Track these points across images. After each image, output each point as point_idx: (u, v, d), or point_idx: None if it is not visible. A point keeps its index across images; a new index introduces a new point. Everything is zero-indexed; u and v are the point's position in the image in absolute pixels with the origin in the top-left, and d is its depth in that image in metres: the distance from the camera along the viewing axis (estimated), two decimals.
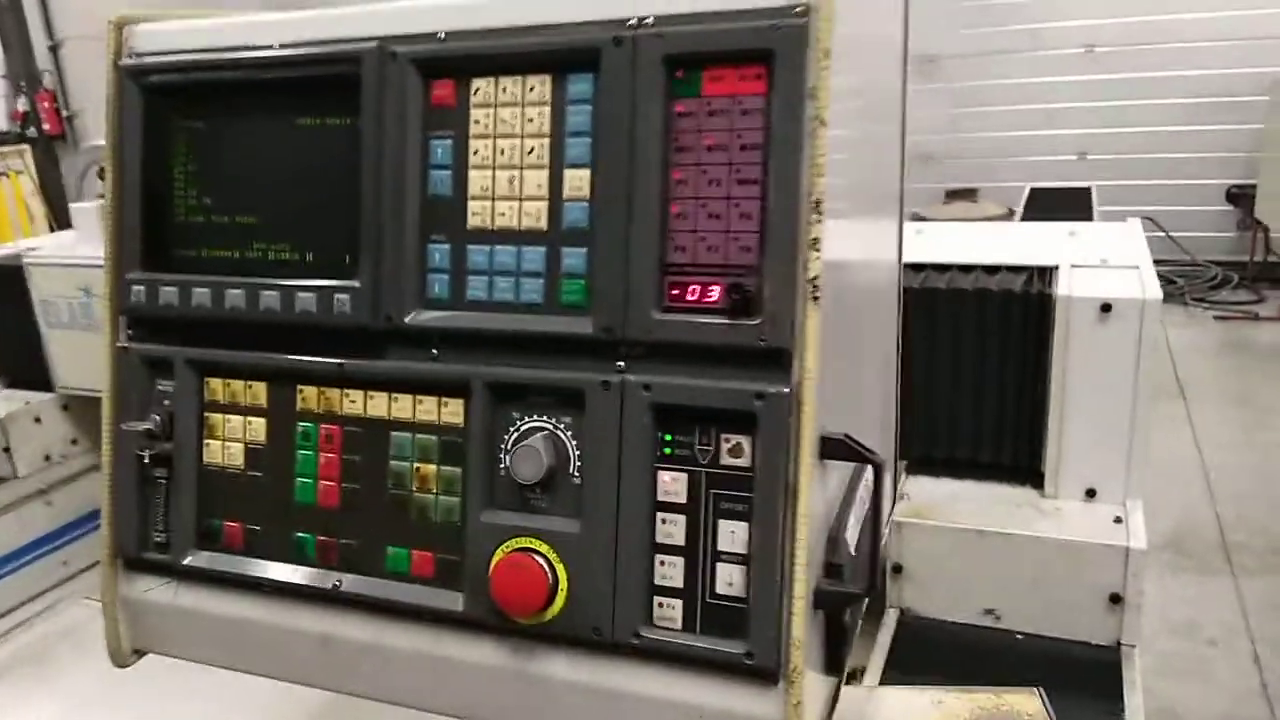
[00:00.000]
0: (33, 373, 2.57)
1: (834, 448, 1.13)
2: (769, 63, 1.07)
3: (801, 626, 1.09)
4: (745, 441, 1.11)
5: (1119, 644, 2.23)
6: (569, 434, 1.18)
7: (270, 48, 1.29)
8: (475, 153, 1.21)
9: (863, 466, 1.24)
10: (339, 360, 1.28)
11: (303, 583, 1.31)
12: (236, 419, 1.36)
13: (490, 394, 1.21)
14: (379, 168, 1.23)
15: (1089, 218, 3.99)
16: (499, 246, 1.20)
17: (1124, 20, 9.10)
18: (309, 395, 1.31)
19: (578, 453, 1.18)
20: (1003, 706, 1.68)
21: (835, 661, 1.25)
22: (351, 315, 1.24)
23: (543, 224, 1.18)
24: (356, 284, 1.24)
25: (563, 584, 1.16)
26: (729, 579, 1.12)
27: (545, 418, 1.19)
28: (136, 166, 1.36)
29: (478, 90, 1.21)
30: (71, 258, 2.48)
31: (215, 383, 1.37)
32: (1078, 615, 2.27)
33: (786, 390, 1.08)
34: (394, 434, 1.27)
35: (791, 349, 1.08)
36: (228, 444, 1.36)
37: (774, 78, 1.07)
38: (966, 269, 2.38)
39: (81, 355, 2.45)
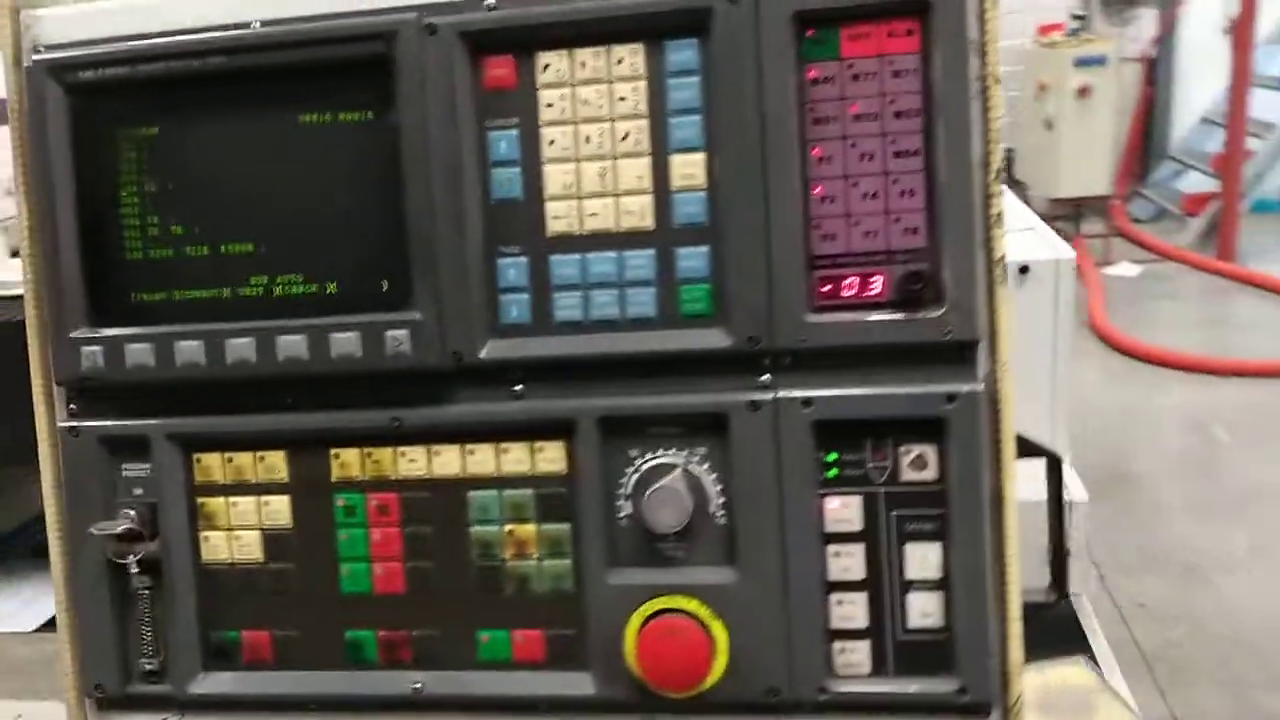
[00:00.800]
0: None
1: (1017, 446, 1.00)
2: (924, 14, 0.93)
3: (1019, 650, 0.96)
4: (930, 451, 0.97)
5: (1068, 594, 2.27)
6: (705, 467, 1.00)
7: (248, 27, 1.01)
8: (550, 143, 0.99)
9: None
10: (393, 412, 1.03)
11: (367, 692, 1.06)
12: (246, 501, 1.08)
13: (601, 431, 1.00)
14: (426, 170, 0.99)
15: None
16: (593, 254, 1.00)
17: None
18: (349, 460, 1.05)
19: (719, 488, 1.00)
20: (1054, 682, 1.63)
21: None
22: (414, 355, 0.99)
23: (648, 222, 0.99)
24: (416, 316, 0.99)
25: (721, 644, 0.98)
26: (924, 609, 0.98)
27: (673, 452, 1.00)
28: (68, 193, 1.04)
29: (547, 67, 0.99)
30: None
31: (210, 459, 1.08)
32: (1025, 571, 2.29)
33: (981, 388, 0.94)
34: (473, 494, 1.04)
35: (979, 340, 0.95)
36: (236, 534, 1.08)
37: (932, 32, 0.93)
38: None
39: None
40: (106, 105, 1.04)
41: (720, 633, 0.98)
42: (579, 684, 1.02)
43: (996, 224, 0.93)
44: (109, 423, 1.08)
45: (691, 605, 0.99)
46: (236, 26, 1.02)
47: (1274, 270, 7.15)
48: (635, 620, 0.99)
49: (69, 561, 1.08)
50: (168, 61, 1.02)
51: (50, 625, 1.94)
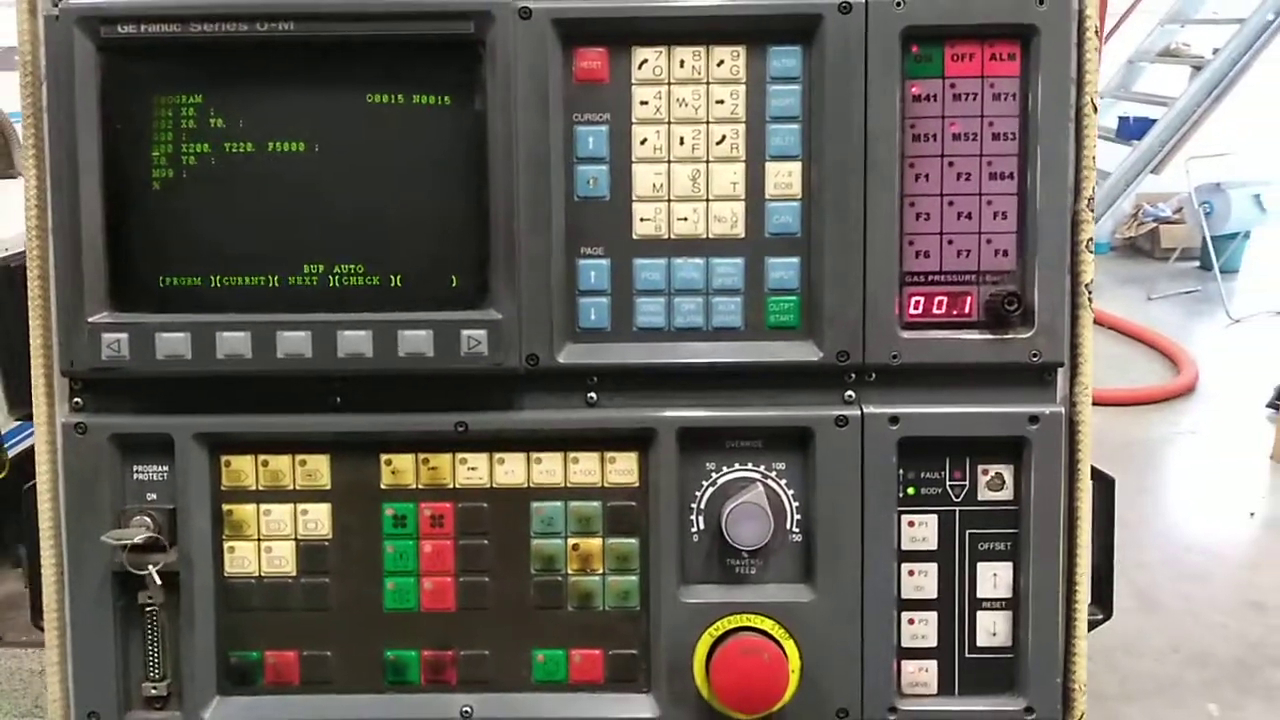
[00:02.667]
0: None
1: None
2: (1027, 40, 0.94)
3: (1084, 669, 0.98)
4: (1007, 471, 0.98)
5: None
6: (784, 482, 0.98)
7: None
8: (642, 142, 0.96)
9: None
10: (457, 416, 0.96)
11: (409, 717, 0.98)
12: (281, 509, 0.98)
13: (679, 443, 0.97)
14: (511, 162, 0.93)
15: None
16: (680, 260, 0.97)
17: None
18: (402, 467, 0.98)
19: (797, 504, 0.98)
20: None
21: None
22: (489, 357, 0.93)
23: (739, 230, 0.96)
24: (496, 316, 0.93)
25: (794, 664, 0.96)
26: (992, 628, 0.99)
27: (749, 466, 0.98)
28: (93, 162, 0.93)
29: (643, 63, 0.95)
30: None
31: (241, 462, 0.98)
32: None
33: (1062, 410, 0.96)
34: (536, 505, 0.98)
35: (1063, 363, 0.96)
36: (267, 544, 0.99)
37: (1033, 58, 0.94)
38: None
39: None
40: (145, 66, 0.94)
41: (793, 652, 0.96)
42: (640, 706, 0.98)
43: (1086, 250, 0.95)
44: (123, 419, 0.97)
45: (767, 624, 0.96)
46: None
47: (1104, 307, 7.68)
48: (706, 639, 0.96)
49: (73, 574, 0.96)
50: (226, 24, 0.92)
51: None
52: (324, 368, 0.94)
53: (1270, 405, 4.80)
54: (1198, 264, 6.92)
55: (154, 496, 0.98)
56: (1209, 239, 6.53)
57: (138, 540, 0.94)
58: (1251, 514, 4.09)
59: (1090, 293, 0.96)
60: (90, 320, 0.94)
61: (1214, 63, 5.72)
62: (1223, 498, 4.22)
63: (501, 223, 0.93)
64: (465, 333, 0.93)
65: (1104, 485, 1.04)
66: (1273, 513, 4.24)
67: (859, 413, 0.96)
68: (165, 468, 0.98)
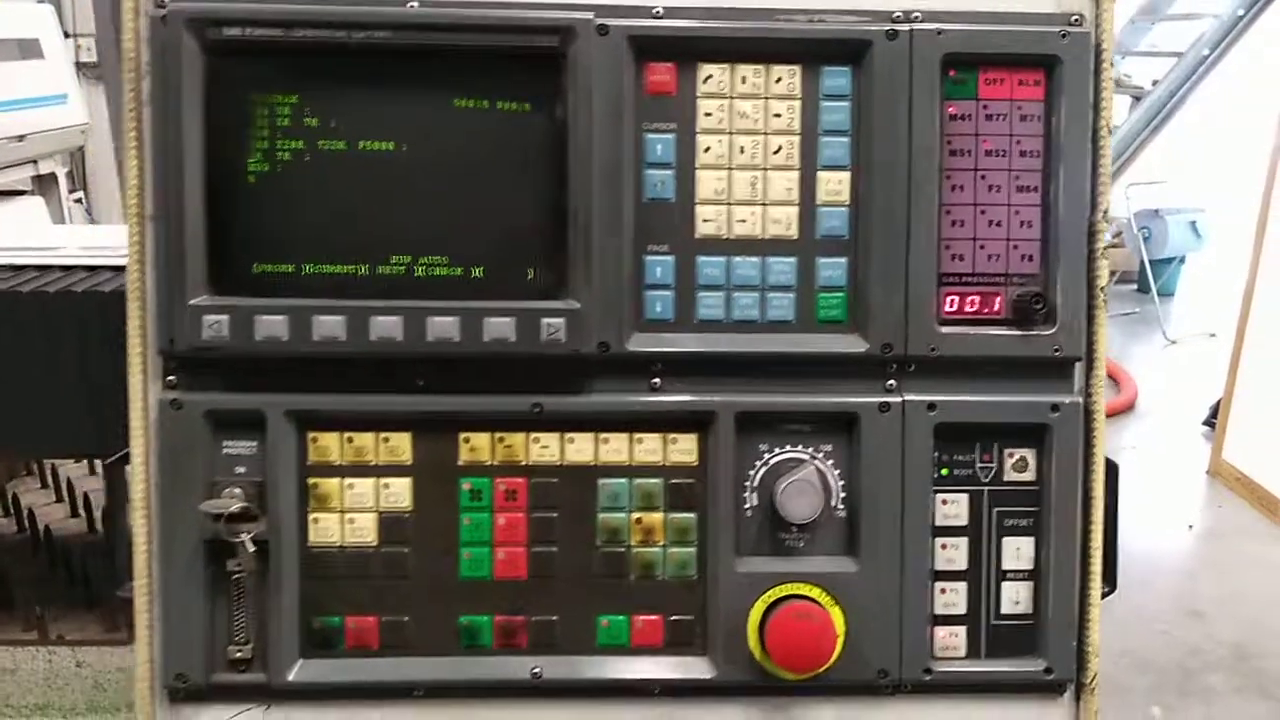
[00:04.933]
0: None
1: None
2: (1050, 69, 1.05)
3: (1098, 633, 1.08)
4: (1030, 455, 1.08)
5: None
6: (830, 463, 1.07)
7: (412, 4, 1.01)
8: (706, 150, 1.05)
9: None
10: (535, 398, 1.04)
11: (482, 677, 1.05)
12: (364, 483, 1.05)
13: (737, 426, 1.06)
14: (589, 166, 1.02)
15: None
16: (739, 258, 1.06)
17: None
18: (479, 444, 1.06)
19: (842, 483, 1.07)
20: None
21: None
22: (566, 343, 1.02)
23: (793, 232, 1.06)
24: (575, 305, 1.02)
25: (839, 628, 1.05)
26: (1016, 597, 1.09)
27: (799, 448, 1.07)
28: (196, 156, 1.00)
29: (709, 78, 1.05)
30: None
31: (327, 439, 1.05)
32: None
33: (1080, 400, 1.07)
34: (603, 481, 1.06)
35: (1081, 358, 1.07)
36: (350, 516, 1.05)
37: (1056, 84, 1.05)
38: None
39: None
40: (245, 66, 1.01)
41: (839, 618, 1.05)
42: (698, 668, 1.06)
43: (1099, 257, 1.06)
44: (217, 396, 1.03)
45: (815, 592, 1.05)
46: (395, 2, 1.01)
47: None
48: (759, 606, 1.05)
49: (165, 544, 1.02)
50: (325, 30, 1.00)
51: None
52: (413, 351, 1.01)
53: (1206, 423, 5.02)
54: (1135, 287, 7.19)
55: (243, 470, 1.04)
56: (1147, 263, 6.80)
57: (232, 510, 1.01)
58: (1190, 526, 4.29)
59: (1104, 295, 1.07)
60: (191, 303, 1.00)
61: (1153, 93, 5.99)
62: (1162, 511, 4.41)
63: (580, 221, 1.02)
64: (545, 320, 1.01)
65: (1109, 471, 1.15)
66: (1209, 525, 4.44)
67: (900, 400, 1.06)
68: (254, 443, 1.04)
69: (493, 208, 1.03)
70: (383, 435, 1.05)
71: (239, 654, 1.04)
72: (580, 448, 1.06)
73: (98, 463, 2.75)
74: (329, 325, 1.00)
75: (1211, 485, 4.68)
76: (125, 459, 1.30)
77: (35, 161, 4.62)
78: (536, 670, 1.05)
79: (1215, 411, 4.79)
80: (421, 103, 1.03)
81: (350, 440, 1.05)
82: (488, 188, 1.03)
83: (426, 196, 1.03)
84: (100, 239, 2.04)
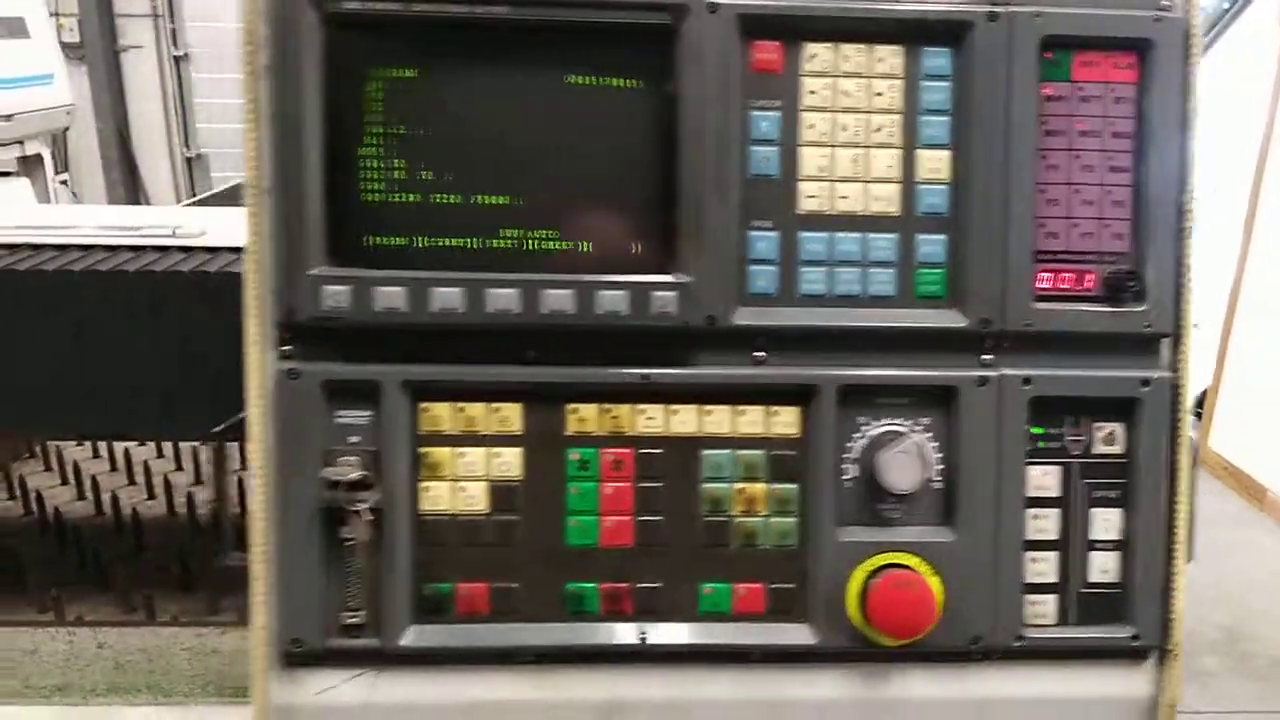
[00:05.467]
0: None
1: None
2: (1144, 53, 1.08)
3: (1183, 601, 1.12)
4: (1119, 428, 1.12)
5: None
6: (928, 435, 1.10)
7: None
8: (809, 127, 1.07)
9: None
10: (643, 370, 1.06)
11: (589, 642, 1.07)
12: (475, 452, 1.07)
13: (838, 398, 1.08)
14: (700, 143, 1.04)
15: None
16: (841, 234, 1.08)
17: None
18: (587, 415, 1.07)
19: (940, 455, 1.10)
20: None
21: None
22: (677, 316, 1.04)
23: (894, 209, 1.08)
24: (686, 279, 1.04)
25: (937, 596, 1.08)
26: (1104, 567, 1.12)
27: (899, 421, 1.10)
28: (315, 129, 1.01)
29: (813, 57, 1.07)
30: None
31: (438, 409, 1.06)
32: None
33: (1168, 375, 1.10)
34: (706, 453, 1.09)
35: (1171, 334, 1.10)
36: (461, 485, 1.07)
37: (1149, 67, 1.08)
38: None
39: None
40: (364, 40, 1.02)
41: (937, 586, 1.08)
42: (798, 634, 1.09)
43: (1188, 235, 1.10)
44: (334, 366, 1.04)
45: (913, 561, 1.08)
46: None
47: None
48: (859, 574, 1.08)
49: (282, 511, 1.03)
50: (446, 4, 1.01)
51: None
52: (528, 322, 1.03)
53: (1193, 412, 5.11)
54: None
55: (355, 439, 1.05)
56: None
57: (352, 478, 1.02)
58: None
59: (1191, 273, 1.10)
60: (311, 273, 1.01)
61: None
62: None
63: (691, 196, 1.04)
64: (656, 294, 1.04)
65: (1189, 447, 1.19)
66: (1198, 513, 4.53)
67: (997, 374, 1.09)
68: (368, 412, 1.05)
69: (601, 183, 1.05)
70: (493, 405, 1.07)
71: (352, 619, 1.06)
72: (684, 419, 1.08)
73: (102, 445, 2.75)
74: (447, 297, 1.02)
75: (1199, 475, 4.76)
76: (228, 433, 1.32)
77: (21, 142, 4.56)
78: (643, 635, 1.07)
79: (1201, 401, 4.87)
80: (534, 79, 1.04)
81: (461, 410, 1.06)
82: (596, 163, 1.05)
83: (537, 171, 1.05)
84: (118, 219, 2.01)
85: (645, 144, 1.05)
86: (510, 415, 1.07)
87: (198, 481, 2.40)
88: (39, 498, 2.39)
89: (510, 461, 1.07)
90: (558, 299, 1.03)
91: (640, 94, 1.05)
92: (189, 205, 3.97)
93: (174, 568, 1.94)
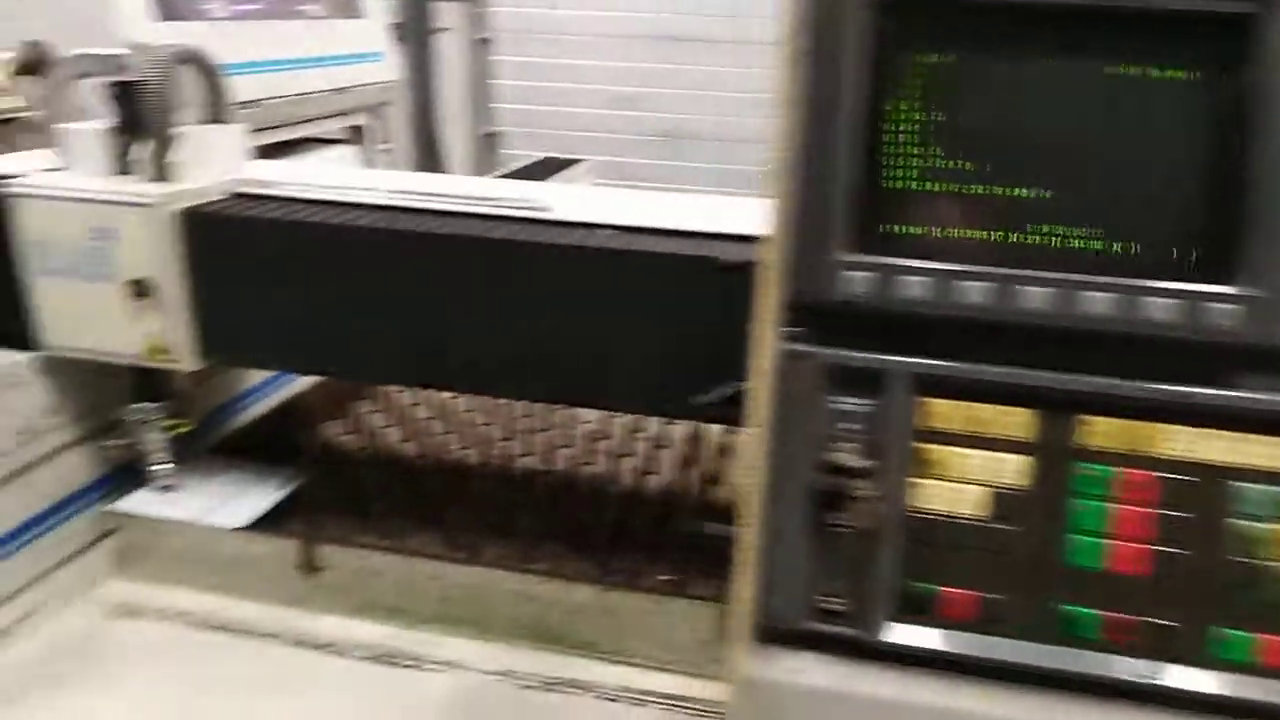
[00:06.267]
0: (6, 327, 1.90)
1: None
2: None
3: None
4: None
5: None
6: None
7: None
8: None
9: None
10: (1186, 388, 0.98)
11: (1086, 671, 1.01)
12: (979, 455, 1.03)
13: None
14: (1271, 143, 0.93)
15: None
16: None
17: None
18: (1105, 429, 1.01)
19: None
20: None
21: None
22: (1238, 332, 0.94)
23: None
24: (1257, 293, 0.94)
25: None
26: None
27: None
28: (851, 115, 1.00)
29: None
30: (80, 190, 1.82)
31: (942, 406, 1.04)
32: None
33: None
34: (1239, 485, 0.98)
35: None
36: (959, 486, 1.04)
37: None
38: None
39: (79, 310, 1.85)
40: (907, 25, 1.00)
41: None
42: None
43: None
44: (840, 352, 1.04)
45: None
46: None
47: None
48: None
49: (775, 491, 1.05)
50: None
51: (255, 525, 1.84)
52: (1060, 324, 0.97)
53: None
54: None
55: (855, 426, 1.05)
56: None
57: (857, 464, 1.02)
58: None
59: None
60: (835, 258, 1.01)
61: None
62: None
63: (1265, 203, 0.93)
64: (1212, 305, 0.94)
65: None
66: None
67: None
68: (865, 401, 1.04)
69: (1151, 181, 0.97)
70: (1004, 409, 1.02)
71: (833, 606, 1.05)
72: (1218, 446, 0.99)
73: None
74: (975, 291, 0.99)
75: None
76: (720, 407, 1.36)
77: (347, 114, 4.96)
78: (1154, 675, 0.99)
79: None
80: (1080, 68, 0.98)
81: (969, 410, 1.03)
82: (1144, 160, 0.97)
83: (1079, 166, 0.98)
84: (476, 190, 2.00)
85: (1200, 141, 0.96)
86: (1022, 420, 1.02)
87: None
88: (372, 435, 2.40)
89: (1018, 469, 1.02)
90: (1094, 302, 0.96)
91: (1192, 85, 0.96)
92: (498, 178, 4.18)
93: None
